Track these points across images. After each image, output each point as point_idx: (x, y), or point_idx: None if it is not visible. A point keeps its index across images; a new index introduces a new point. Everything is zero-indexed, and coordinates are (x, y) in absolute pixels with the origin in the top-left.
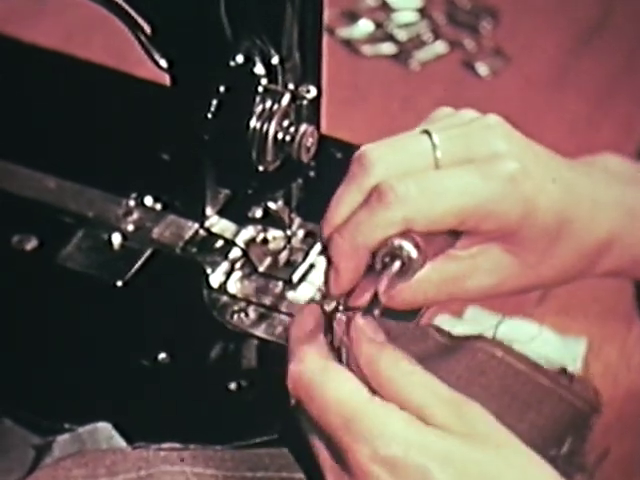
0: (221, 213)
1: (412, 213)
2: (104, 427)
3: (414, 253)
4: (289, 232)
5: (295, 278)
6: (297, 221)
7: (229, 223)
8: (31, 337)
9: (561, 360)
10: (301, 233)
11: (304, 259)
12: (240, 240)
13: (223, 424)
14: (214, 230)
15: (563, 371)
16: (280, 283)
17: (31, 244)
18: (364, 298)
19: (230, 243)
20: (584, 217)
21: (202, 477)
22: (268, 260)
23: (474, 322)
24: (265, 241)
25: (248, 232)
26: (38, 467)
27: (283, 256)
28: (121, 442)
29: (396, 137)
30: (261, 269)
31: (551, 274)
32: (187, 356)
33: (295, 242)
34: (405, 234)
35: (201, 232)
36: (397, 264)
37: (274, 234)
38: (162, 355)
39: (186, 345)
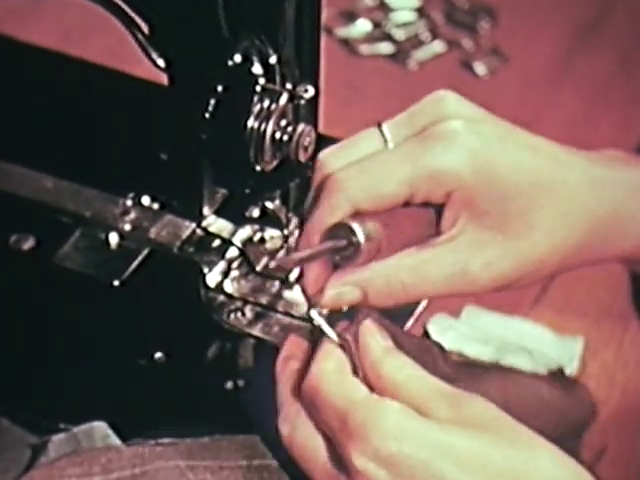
0: (218, 213)
1: (355, 193)
2: (100, 426)
3: (360, 235)
4: (286, 231)
5: (291, 278)
6: (294, 221)
7: (226, 223)
8: (28, 336)
9: (558, 359)
10: (298, 233)
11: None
12: (237, 239)
13: (220, 423)
14: (211, 230)
15: (560, 372)
16: (277, 282)
17: (28, 244)
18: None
19: (227, 242)
20: (571, 185)
21: (197, 469)
22: (265, 259)
23: (471, 322)
24: (262, 240)
25: (245, 231)
26: (34, 467)
27: (280, 255)
28: (117, 441)
29: (351, 137)
30: (258, 268)
31: (543, 250)
32: (184, 355)
33: (292, 241)
34: (359, 218)
35: (198, 232)
36: (343, 242)
37: (271, 233)
38: (159, 354)
39: (183, 344)
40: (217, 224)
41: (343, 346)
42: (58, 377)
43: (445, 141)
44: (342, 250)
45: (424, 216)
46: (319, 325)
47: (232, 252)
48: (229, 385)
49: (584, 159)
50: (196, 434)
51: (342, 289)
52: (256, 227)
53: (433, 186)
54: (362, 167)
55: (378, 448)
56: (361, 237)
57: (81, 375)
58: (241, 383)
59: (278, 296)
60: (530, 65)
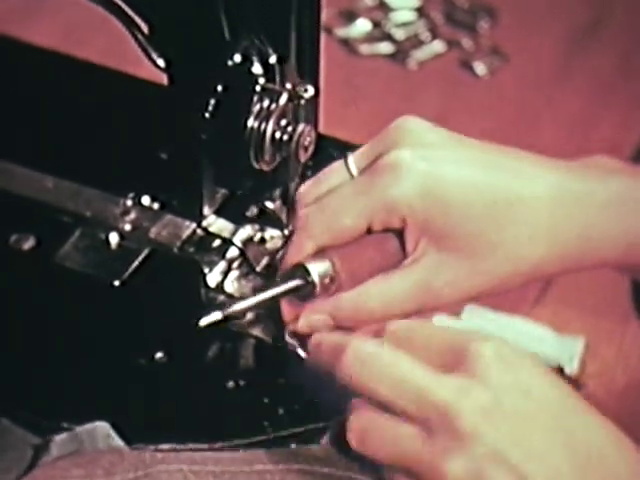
0: (218, 212)
1: (315, 231)
2: (102, 426)
3: (314, 275)
4: (286, 231)
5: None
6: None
7: (226, 223)
8: (28, 336)
9: (558, 359)
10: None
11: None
12: (237, 239)
13: (221, 423)
14: (211, 230)
15: (560, 371)
16: None
17: (28, 243)
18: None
19: (227, 242)
20: (535, 201)
21: (199, 474)
22: (265, 259)
23: (472, 321)
24: (262, 240)
25: (245, 231)
26: (36, 466)
27: (280, 256)
28: (119, 441)
29: (323, 170)
30: (258, 269)
31: (509, 267)
32: (185, 355)
33: None
34: (316, 256)
35: (199, 232)
36: (295, 283)
37: (271, 233)
38: (159, 354)
39: (184, 344)
40: (217, 224)
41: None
42: (59, 377)
43: (393, 171)
44: (298, 290)
45: (390, 242)
46: (293, 347)
47: (232, 252)
48: (230, 385)
49: (557, 173)
50: (196, 436)
51: (313, 317)
52: (256, 227)
53: (388, 215)
54: (321, 204)
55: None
56: (315, 277)
57: (82, 375)
58: (242, 383)
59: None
60: (530, 65)
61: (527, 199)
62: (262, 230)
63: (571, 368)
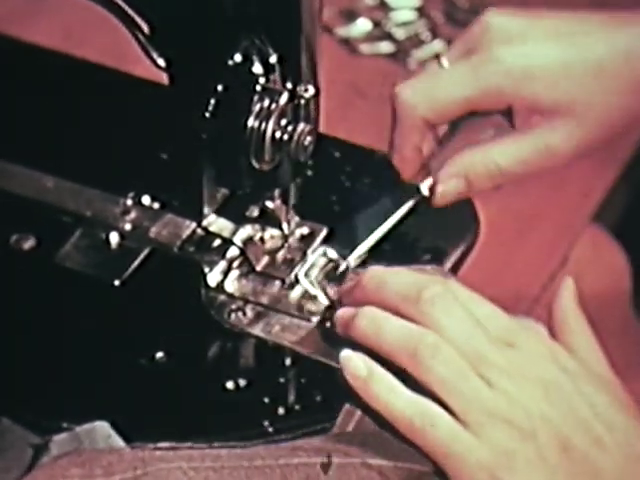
0: (219, 212)
1: (421, 110)
2: (102, 426)
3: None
4: (286, 231)
5: (292, 278)
6: (295, 220)
7: (227, 222)
8: (29, 336)
9: None
10: (299, 232)
11: (302, 258)
12: (238, 239)
13: (221, 423)
14: (212, 229)
15: None
16: (277, 282)
17: (29, 243)
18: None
19: (228, 242)
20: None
21: (199, 470)
22: (266, 259)
23: None
24: (262, 240)
25: (246, 231)
26: (36, 466)
27: (280, 255)
28: (119, 441)
29: None
30: (258, 268)
31: (602, 121)
32: (185, 355)
33: (293, 241)
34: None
35: (199, 231)
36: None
37: (272, 233)
38: (160, 354)
39: (184, 344)
40: (217, 223)
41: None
42: (59, 377)
43: (493, 61)
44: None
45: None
46: (306, 288)
47: (232, 251)
48: (230, 385)
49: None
50: (196, 435)
51: (450, 182)
52: (256, 227)
53: (498, 96)
54: (424, 84)
55: None
56: (425, 191)
57: (82, 375)
58: (242, 383)
59: (279, 296)
60: None
61: (606, 63)
62: (262, 229)
63: None
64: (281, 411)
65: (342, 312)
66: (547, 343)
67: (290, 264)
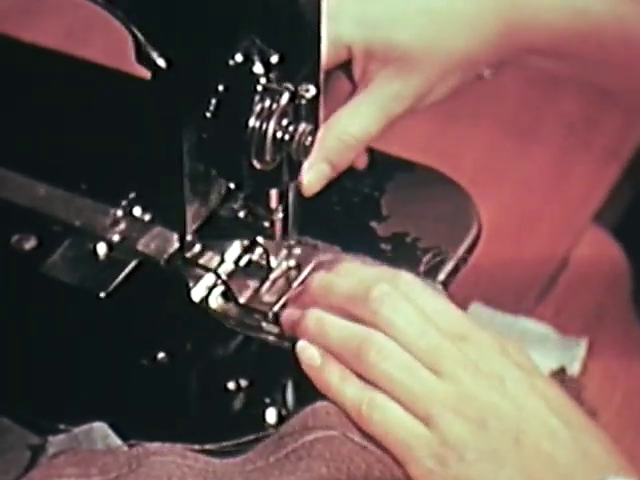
0: (204, 227)
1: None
2: (100, 427)
3: None
4: (274, 264)
5: (274, 311)
6: (283, 253)
7: (212, 253)
8: (28, 337)
9: (561, 359)
10: (285, 264)
11: (287, 290)
12: (222, 271)
13: (222, 424)
14: (199, 262)
15: (562, 370)
16: (258, 316)
17: (30, 243)
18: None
19: (213, 272)
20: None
21: (193, 468)
22: (250, 291)
23: (475, 320)
24: (249, 264)
25: (230, 265)
26: (33, 468)
27: (266, 286)
28: (117, 442)
29: None
30: (242, 301)
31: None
32: (186, 356)
33: (279, 272)
34: None
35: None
36: None
37: (259, 262)
38: (161, 355)
39: (185, 345)
40: (204, 256)
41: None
42: (58, 378)
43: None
44: None
45: None
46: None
47: (222, 268)
48: (231, 385)
49: None
50: (197, 436)
51: (313, 170)
52: (244, 258)
53: (335, 50)
54: None
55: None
56: None
57: (82, 375)
58: (243, 383)
59: (260, 325)
60: (532, 65)
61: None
62: (249, 259)
63: (573, 369)
64: (282, 412)
65: (288, 313)
66: (500, 338)
67: (275, 296)
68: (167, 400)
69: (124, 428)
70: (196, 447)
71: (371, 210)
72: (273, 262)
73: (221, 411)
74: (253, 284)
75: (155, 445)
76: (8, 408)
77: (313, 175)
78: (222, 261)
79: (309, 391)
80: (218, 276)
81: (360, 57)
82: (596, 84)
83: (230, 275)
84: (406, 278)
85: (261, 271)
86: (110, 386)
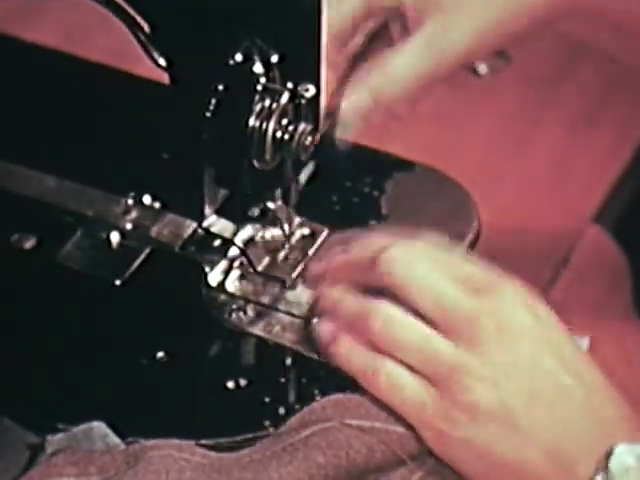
0: (219, 212)
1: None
2: (99, 426)
3: None
4: (287, 232)
5: (293, 278)
6: (296, 220)
7: (228, 222)
8: (29, 336)
9: None
10: (299, 233)
11: (303, 258)
12: (239, 240)
13: (221, 422)
14: (212, 230)
15: None
16: (278, 283)
17: (30, 243)
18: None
19: (229, 242)
20: None
21: (190, 461)
22: (267, 260)
23: None
24: (264, 240)
25: (246, 231)
26: (32, 467)
27: (282, 255)
28: (116, 440)
29: None
30: (259, 268)
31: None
32: (185, 355)
33: (294, 241)
34: None
35: (200, 231)
36: None
37: (273, 233)
38: (160, 354)
39: (184, 344)
40: (218, 224)
41: None
42: (59, 377)
43: None
44: None
45: None
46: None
47: (233, 251)
48: (230, 384)
49: None
50: (197, 435)
51: (357, 95)
52: (257, 226)
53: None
54: None
55: None
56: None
57: (82, 375)
58: (243, 382)
59: (280, 296)
60: (532, 65)
61: None
62: (263, 230)
63: None
64: (281, 411)
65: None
66: (522, 290)
67: (291, 264)
68: (166, 399)
69: (123, 427)
70: (192, 442)
71: (371, 209)
72: (287, 229)
73: (220, 410)
74: (269, 253)
75: (152, 441)
76: (7, 407)
77: (353, 102)
78: (236, 232)
79: (309, 390)
80: (234, 244)
81: (412, 6)
82: (614, 56)
83: (246, 244)
84: (420, 243)
85: (276, 240)
86: (109, 385)
